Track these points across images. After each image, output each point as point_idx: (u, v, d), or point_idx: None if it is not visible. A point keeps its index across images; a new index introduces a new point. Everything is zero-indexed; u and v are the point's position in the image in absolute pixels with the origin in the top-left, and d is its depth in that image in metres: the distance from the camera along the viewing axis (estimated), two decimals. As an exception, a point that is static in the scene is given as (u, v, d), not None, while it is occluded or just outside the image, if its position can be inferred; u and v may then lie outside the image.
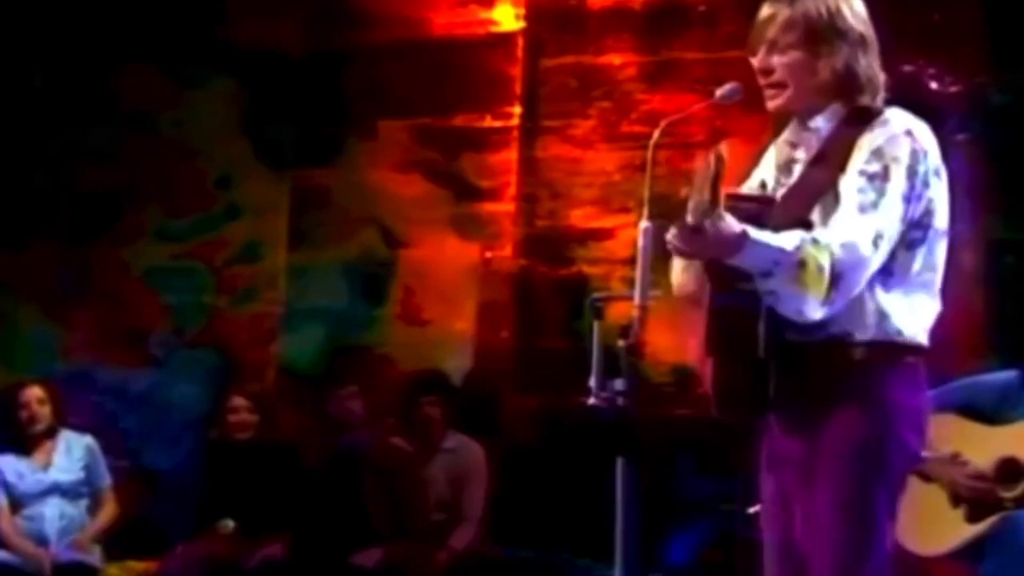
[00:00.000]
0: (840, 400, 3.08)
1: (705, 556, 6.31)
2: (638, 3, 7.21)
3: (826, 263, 2.96)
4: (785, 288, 2.97)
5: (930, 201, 3.10)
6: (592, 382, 3.20)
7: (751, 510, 4.53)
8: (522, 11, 7.35)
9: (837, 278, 2.97)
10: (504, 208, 7.30)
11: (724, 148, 2.96)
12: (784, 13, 3.16)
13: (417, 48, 7.44)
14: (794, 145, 3.22)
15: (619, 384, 3.10)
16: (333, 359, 7.36)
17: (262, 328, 7.61)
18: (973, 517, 4.48)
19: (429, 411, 6.59)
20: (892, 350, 3.09)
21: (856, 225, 3.01)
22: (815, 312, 2.99)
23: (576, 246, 7.18)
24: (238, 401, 6.80)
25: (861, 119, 3.11)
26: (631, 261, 6.89)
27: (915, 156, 3.07)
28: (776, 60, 3.17)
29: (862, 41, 3.15)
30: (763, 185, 3.28)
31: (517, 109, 7.30)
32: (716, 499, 6.33)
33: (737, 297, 3.03)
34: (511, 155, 7.30)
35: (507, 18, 7.38)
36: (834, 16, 3.14)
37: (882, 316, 3.08)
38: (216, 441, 6.84)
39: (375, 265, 7.48)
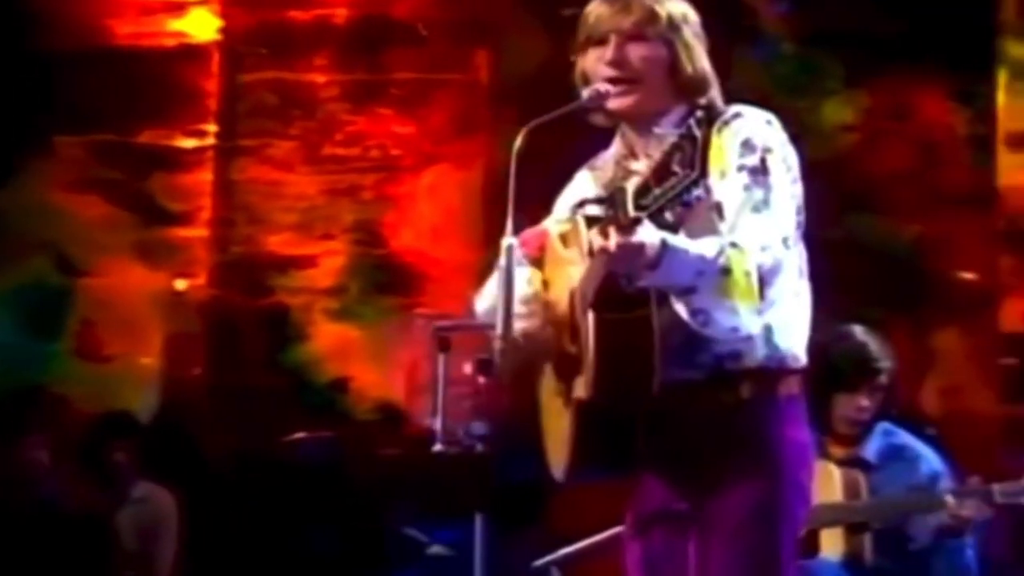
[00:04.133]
0: (731, 447, 2.81)
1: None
2: (342, 19, 6.88)
3: (752, 268, 2.72)
4: (714, 303, 2.70)
5: (797, 197, 2.89)
6: (436, 425, 2.75)
7: (539, 563, 4.23)
8: (219, 23, 6.88)
9: (762, 285, 2.75)
10: (197, 233, 6.89)
11: None
12: (642, 3, 2.90)
13: (98, 58, 6.93)
14: (629, 157, 2.94)
15: (478, 427, 2.67)
16: (6, 403, 6.66)
17: (-84, 365, 6.86)
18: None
19: (116, 457, 6.13)
20: (778, 378, 2.84)
21: (762, 227, 2.77)
22: (752, 325, 2.74)
23: (275, 274, 6.85)
24: None
25: (709, 117, 2.81)
26: (334, 291, 6.81)
27: (784, 147, 2.87)
28: (635, 52, 2.89)
29: (707, 45, 2.97)
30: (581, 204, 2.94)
31: (212, 127, 6.91)
32: (429, 543, 6.04)
33: (627, 329, 2.67)
34: (205, 176, 6.90)
35: (202, 29, 6.93)
36: (688, 15, 2.95)
37: (767, 331, 2.81)
38: None
39: (47, 295, 6.91)
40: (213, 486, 6.49)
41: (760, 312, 2.76)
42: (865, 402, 4.44)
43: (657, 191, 2.59)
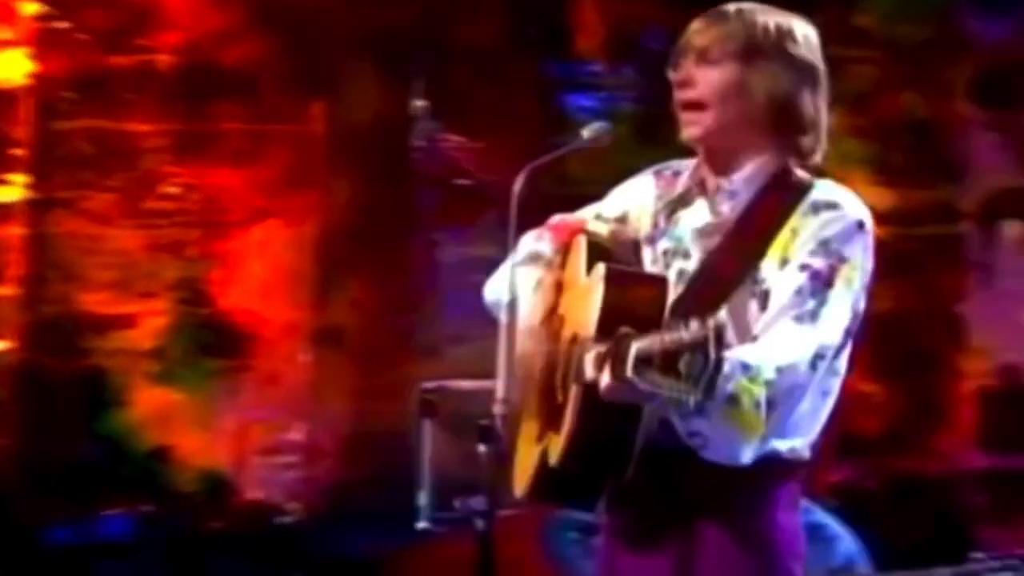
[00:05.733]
0: (719, 520, 2.59)
1: None
2: (166, 65, 6.54)
3: (763, 396, 2.43)
4: (715, 431, 2.44)
5: (860, 303, 2.63)
6: (422, 499, 2.46)
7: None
8: (31, 66, 6.47)
9: (770, 409, 2.46)
10: (6, 291, 6.42)
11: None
12: (723, 23, 2.64)
13: None
14: (696, 190, 2.68)
15: (478, 502, 2.38)
16: None
17: None
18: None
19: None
20: (773, 468, 2.61)
21: (793, 343, 2.50)
22: (750, 454, 2.48)
23: (92, 335, 6.44)
24: None
25: (796, 189, 2.59)
26: (156, 353, 6.42)
27: (865, 256, 2.60)
28: (702, 73, 2.62)
29: (811, 74, 2.66)
30: (623, 219, 2.71)
31: (23, 177, 6.43)
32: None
33: (614, 408, 2.43)
34: (15, 230, 6.42)
35: (12, 73, 6.49)
36: (783, 35, 2.64)
37: (775, 432, 2.57)
38: None
39: None
40: (22, 567, 6.07)
41: (764, 438, 2.50)
42: None
43: (658, 377, 2.27)
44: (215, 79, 6.49)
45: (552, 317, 2.64)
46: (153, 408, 6.41)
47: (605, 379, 2.34)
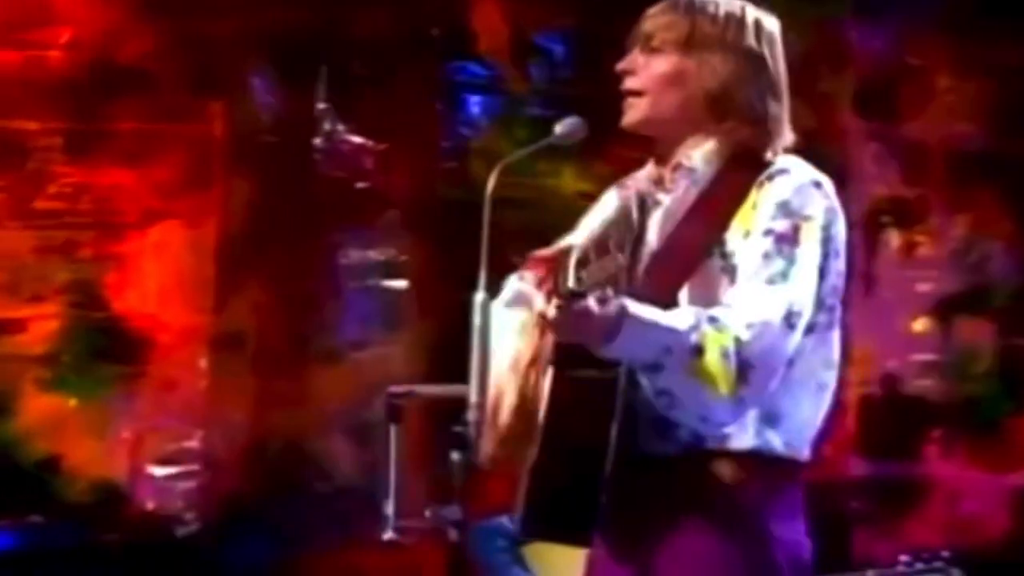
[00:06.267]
0: (705, 533, 2.48)
1: None
2: (58, 61, 6.33)
3: (731, 347, 2.36)
4: (682, 386, 2.35)
5: (838, 275, 2.58)
6: (389, 508, 2.35)
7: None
8: (-92, 63, 6.24)
9: (745, 368, 2.37)
10: None
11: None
12: (671, 12, 2.61)
13: None
14: (656, 186, 2.62)
15: (453, 512, 2.26)
16: None
17: None
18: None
19: None
20: (769, 469, 2.51)
21: (765, 299, 2.43)
22: (724, 415, 2.39)
23: None
24: None
25: (752, 164, 2.55)
26: (47, 359, 6.20)
27: (829, 215, 2.55)
28: (644, 61, 2.60)
29: (758, 66, 2.60)
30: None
31: None
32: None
33: (588, 391, 2.33)
34: None
35: None
36: (730, 24, 2.59)
37: (768, 419, 2.49)
38: None
39: None
40: None
41: (741, 401, 2.41)
42: None
43: (594, 268, 2.31)
44: (109, 76, 6.29)
45: (539, 356, 2.54)
46: (44, 416, 6.19)
47: (552, 308, 2.26)
